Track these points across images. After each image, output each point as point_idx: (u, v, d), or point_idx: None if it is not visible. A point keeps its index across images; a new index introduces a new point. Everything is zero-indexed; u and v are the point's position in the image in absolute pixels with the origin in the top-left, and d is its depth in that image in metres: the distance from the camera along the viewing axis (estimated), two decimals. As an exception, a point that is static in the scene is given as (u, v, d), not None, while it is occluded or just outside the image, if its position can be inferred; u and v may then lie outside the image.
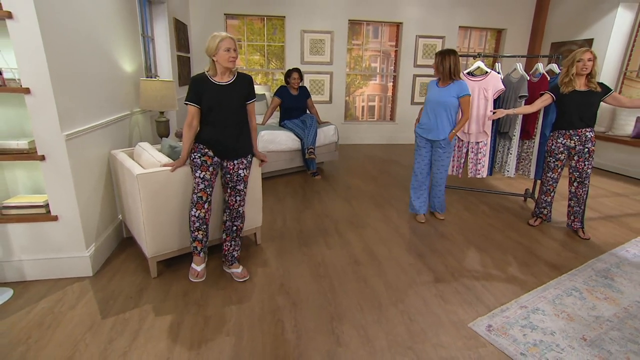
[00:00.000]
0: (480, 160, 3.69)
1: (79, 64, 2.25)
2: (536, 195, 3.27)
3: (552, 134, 3.01)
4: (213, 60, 2.10)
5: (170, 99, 3.05)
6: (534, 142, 3.59)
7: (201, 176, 2.17)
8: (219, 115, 2.15)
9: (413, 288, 2.28)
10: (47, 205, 2.16)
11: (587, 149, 2.88)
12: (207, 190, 2.20)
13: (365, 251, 2.73)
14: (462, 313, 2.03)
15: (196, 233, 2.24)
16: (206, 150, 2.18)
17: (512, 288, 2.29)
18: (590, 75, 2.77)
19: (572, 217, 3.10)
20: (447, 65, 2.90)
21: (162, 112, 3.24)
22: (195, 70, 5.82)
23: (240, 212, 2.31)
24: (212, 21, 5.84)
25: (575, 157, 2.94)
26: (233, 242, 2.35)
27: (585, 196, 2.99)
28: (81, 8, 2.28)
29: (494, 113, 3.11)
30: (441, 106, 2.98)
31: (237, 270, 2.34)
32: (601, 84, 2.81)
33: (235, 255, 2.37)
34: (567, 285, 2.33)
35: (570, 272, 2.49)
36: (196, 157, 2.18)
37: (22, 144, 2.04)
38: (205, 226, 2.25)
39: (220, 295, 2.15)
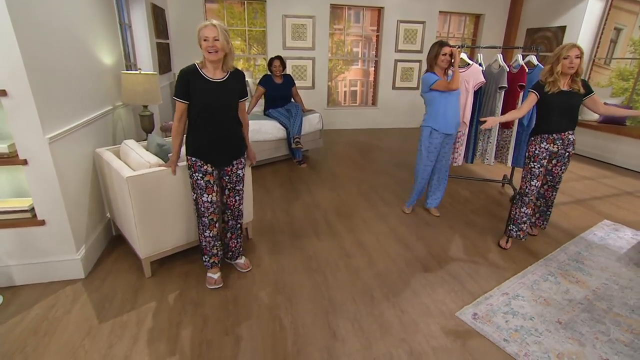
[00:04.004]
0: (458, 149, 3.81)
1: (57, 59, 2.14)
2: (510, 210, 2.86)
3: (533, 138, 2.70)
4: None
5: (153, 92, 2.96)
6: (512, 131, 3.74)
7: (209, 200, 2.13)
8: (209, 117, 2.01)
9: (402, 278, 2.39)
10: (32, 210, 2.09)
11: (567, 153, 2.67)
12: (216, 210, 2.19)
13: (355, 242, 2.82)
14: (449, 302, 2.16)
15: (213, 250, 2.26)
16: (206, 166, 2.08)
17: (494, 275, 2.44)
18: (575, 74, 2.49)
19: (536, 215, 2.99)
20: (451, 60, 2.85)
21: (145, 106, 3.14)
22: (175, 57, 5.62)
23: (241, 210, 2.33)
24: (191, 5, 5.59)
25: (554, 161, 2.72)
26: (239, 239, 2.39)
27: (554, 199, 2.89)
28: (55, -1, 2.15)
29: (484, 122, 2.71)
30: (457, 99, 2.95)
31: (241, 261, 2.42)
32: (584, 84, 2.55)
33: (241, 250, 2.44)
34: (544, 271, 2.51)
35: (545, 257, 2.67)
36: (198, 177, 2.08)
37: (1, 147, 1.95)
38: (219, 242, 2.29)
39: (216, 293, 2.19)
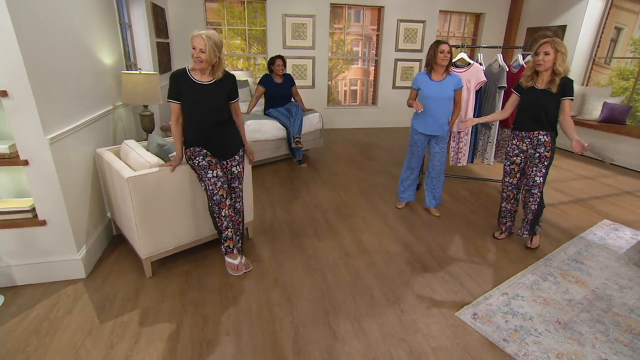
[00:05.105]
0: (462, 149, 3.82)
1: (58, 59, 2.14)
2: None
3: (509, 135, 2.73)
4: None
5: (153, 92, 2.96)
6: (513, 131, 3.74)
7: (215, 175, 2.15)
8: (199, 116, 2.15)
9: (402, 278, 2.39)
10: (33, 210, 2.10)
11: (537, 154, 2.53)
12: (224, 186, 2.20)
13: (355, 242, 2.82)
14: (449, 302, 2.17)
15: (227, 232, 2.26)
16: (205, 151, 2.18)
17: (494, 275, 2.45)
18: (554, 73, 2.36)
19: (522, 224, 2.80)
20: (451, 57, 2.87)
21: (146, 106, 3.14)
22: (175, 57, 5.62)
23: (237, 208, 2.33)
24: (191, 4, 5.59)
25: (527, 162, 2.65)
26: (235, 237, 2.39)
27: (534, 207, 2.63)
28: (56, -1, 2.15)
29: (464, 122, 2.86)
30: (444, 101, 2.93)
31: (241, 261, 2.40)
32: (563, 85, 2.37)
33: (241, 249, 2.43)
34: (543, 271, 2.51)
35: (545, 257, 2.68)
36: (200, 160, 2.16)
37: (2, 148, 1.96)
38: (232, 222, 2.28)
39: (216, 293, 2.19)
